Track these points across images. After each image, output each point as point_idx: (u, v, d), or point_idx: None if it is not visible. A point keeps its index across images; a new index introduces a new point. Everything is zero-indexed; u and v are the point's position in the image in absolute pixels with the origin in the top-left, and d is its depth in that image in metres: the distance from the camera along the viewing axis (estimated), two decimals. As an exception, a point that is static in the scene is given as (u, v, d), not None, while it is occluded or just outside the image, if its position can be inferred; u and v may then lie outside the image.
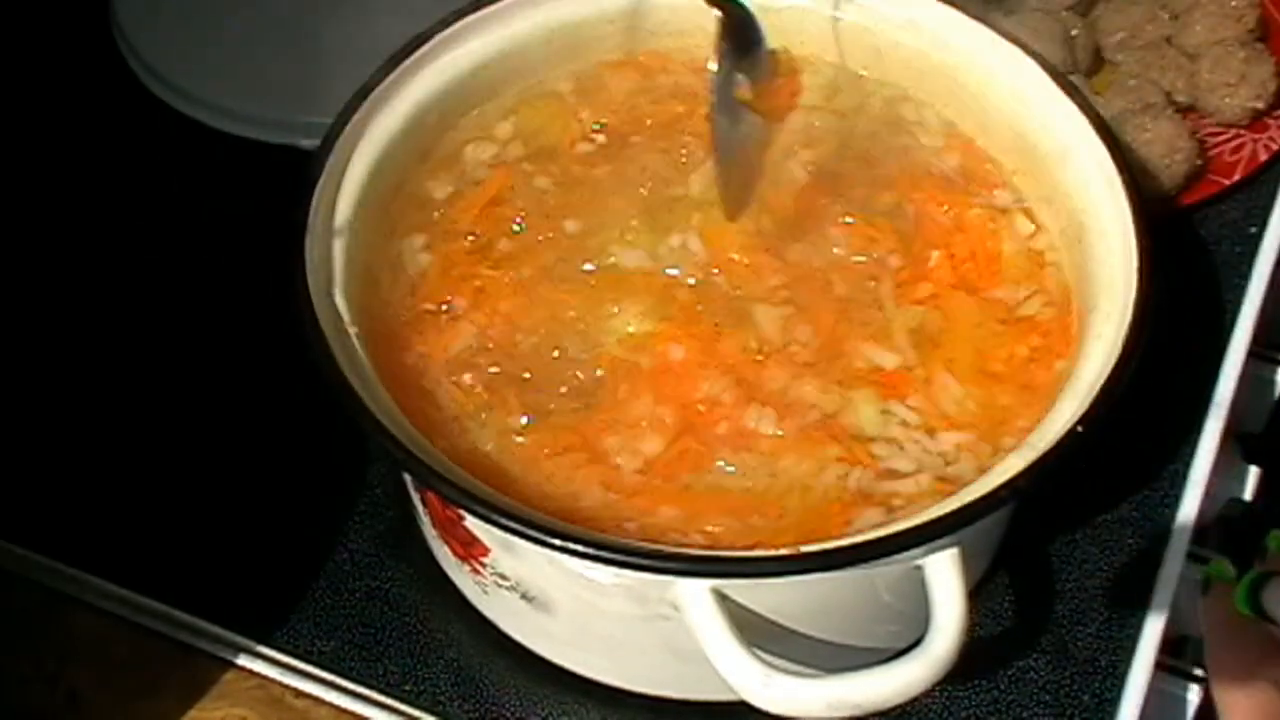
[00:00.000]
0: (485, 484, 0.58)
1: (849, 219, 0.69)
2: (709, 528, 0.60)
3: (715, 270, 0.67)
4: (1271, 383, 0.83)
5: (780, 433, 0.63)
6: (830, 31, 0.75)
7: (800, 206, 0.70)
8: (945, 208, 0.70)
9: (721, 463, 0.62)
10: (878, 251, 0.69)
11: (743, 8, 0.69)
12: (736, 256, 0.68)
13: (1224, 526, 0.77)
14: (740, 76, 0.70)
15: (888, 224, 0.69)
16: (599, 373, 0.64)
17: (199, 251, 0.81)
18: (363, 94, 0.68)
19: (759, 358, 0.65)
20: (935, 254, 0.69)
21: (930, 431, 0.63)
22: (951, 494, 0.58)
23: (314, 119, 0.71)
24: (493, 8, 0.72)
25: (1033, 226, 0.70)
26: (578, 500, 0.61)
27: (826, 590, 0.60)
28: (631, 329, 0.65)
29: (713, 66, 0.68)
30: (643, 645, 0.63)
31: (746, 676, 0.55)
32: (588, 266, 0.68)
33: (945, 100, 0.74)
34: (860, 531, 0.58)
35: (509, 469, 0.62)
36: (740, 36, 0.69)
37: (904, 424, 0.63)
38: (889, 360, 0.65)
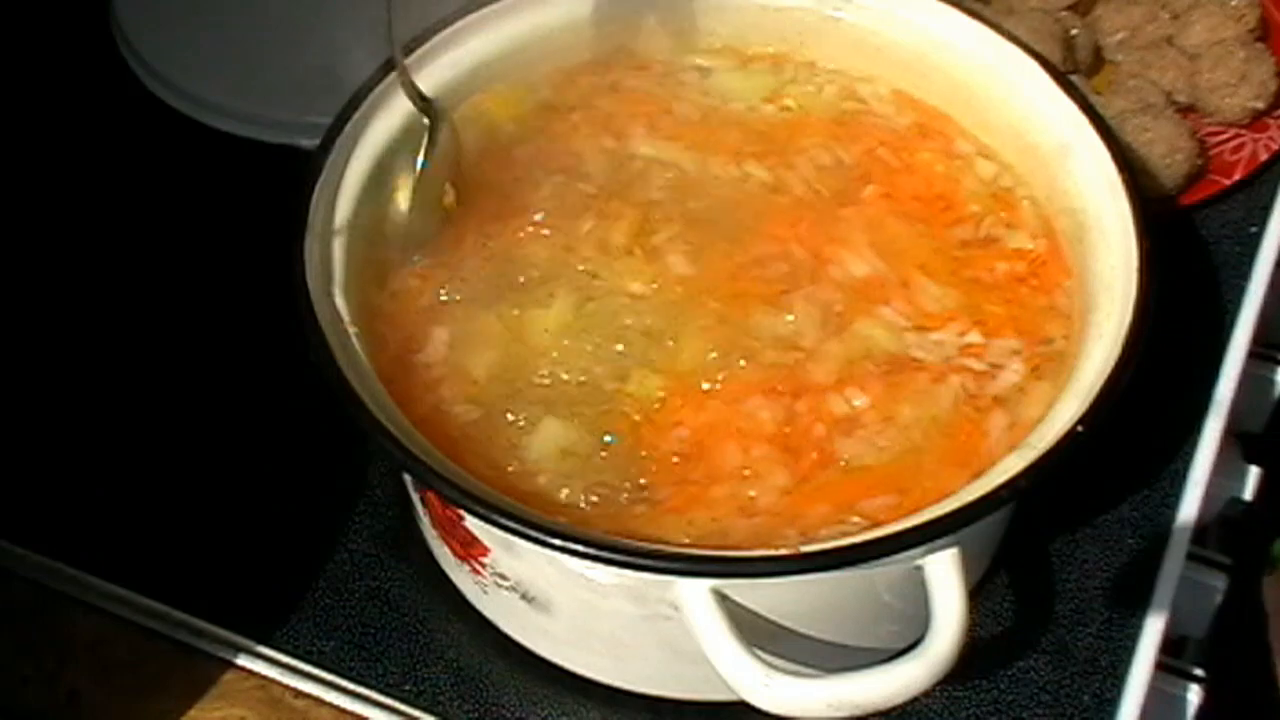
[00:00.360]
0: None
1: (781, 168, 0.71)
2: (865, 508, 0.60)
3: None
4: (1271, 383, 0.83)
5: (870, 398, 0.63)
6: (830, 31, 0.75)
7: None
8: (894, 151, 0.72)
9: (845, 454, 0.62)
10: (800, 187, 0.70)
11: (439, 115, 0.69)
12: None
13: (1224, 526, 0.77)
14: (446, 184, 0.70)
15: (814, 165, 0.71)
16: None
17: (199, 251, 0.81)
18: (363, 94, 0.68)
19: (791, 356, 0.65)
20: (869, 189, 0.70)
21: (923, 330, 0.65)
22: (1054, 370, 0.63)
23: (314, 119, 0.71)
24: (492, 8, 0.73)
25: (994, 169, 0.71)
26: (724, 532, 0.60)
27: (826, 590, 0.60)
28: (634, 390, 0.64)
29: (420, 162, 0.68)
30: (643, 645, 0.63)
31: (746, 676, 0.54)
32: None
33: (945, 99, 0.74)
34: (997, 437, 0.61)
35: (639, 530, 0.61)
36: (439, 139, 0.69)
37: (905, 329, 0.65)
38: (860, 268, 0.67)
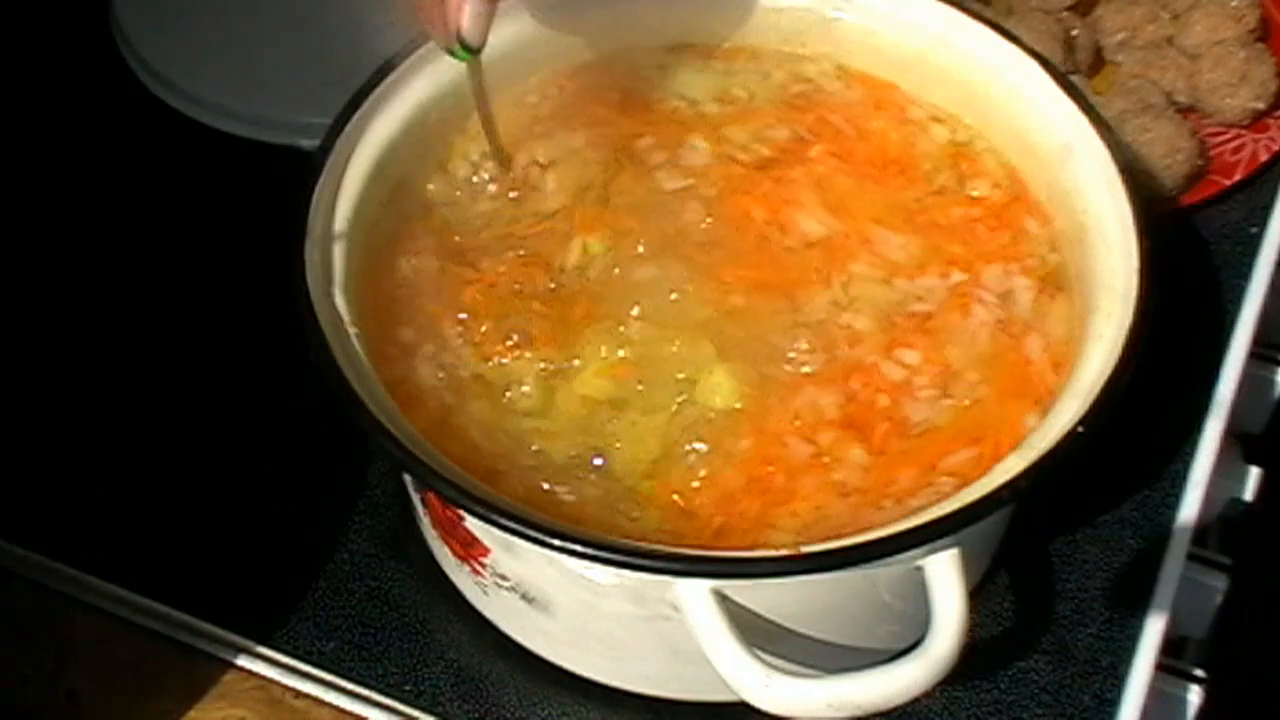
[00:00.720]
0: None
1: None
2: (951, 464, 0.61)
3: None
4: (1271, 383, 0.83)
5: (921, 354, 0.64)
6: (830, 31, 0.75)
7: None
8: (846, 119, 0.73)
9: (914, 417, 0.63)
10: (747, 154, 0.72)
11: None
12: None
13: (1224, 526, 0.77)
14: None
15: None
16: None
17: (199, 251, 0.81)
18: (363, 94, 0.68)
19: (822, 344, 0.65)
20: (816, 148, 0.72)
21: (907, 278, 0.67)
22: (1064, 283, 0.66)
23: (314, 119, 0.71)
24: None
25: (949, 133, 0.73)
26: (827, 516, 0.61)
27: (827, 590, 0.60)
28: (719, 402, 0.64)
29: None
30: (642, 645, 0.63)
31: (747, 677, 0.54)
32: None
33: (946, 99, 0.74)
34: (1038, 361, 0.64)
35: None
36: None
37: (893, 280, 0.67)
38: (816, 230, 0.68)
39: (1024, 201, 0.70)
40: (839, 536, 0.57)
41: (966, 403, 0.63)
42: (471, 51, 0.65)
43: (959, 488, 0.58)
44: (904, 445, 0.62)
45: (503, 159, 0.71)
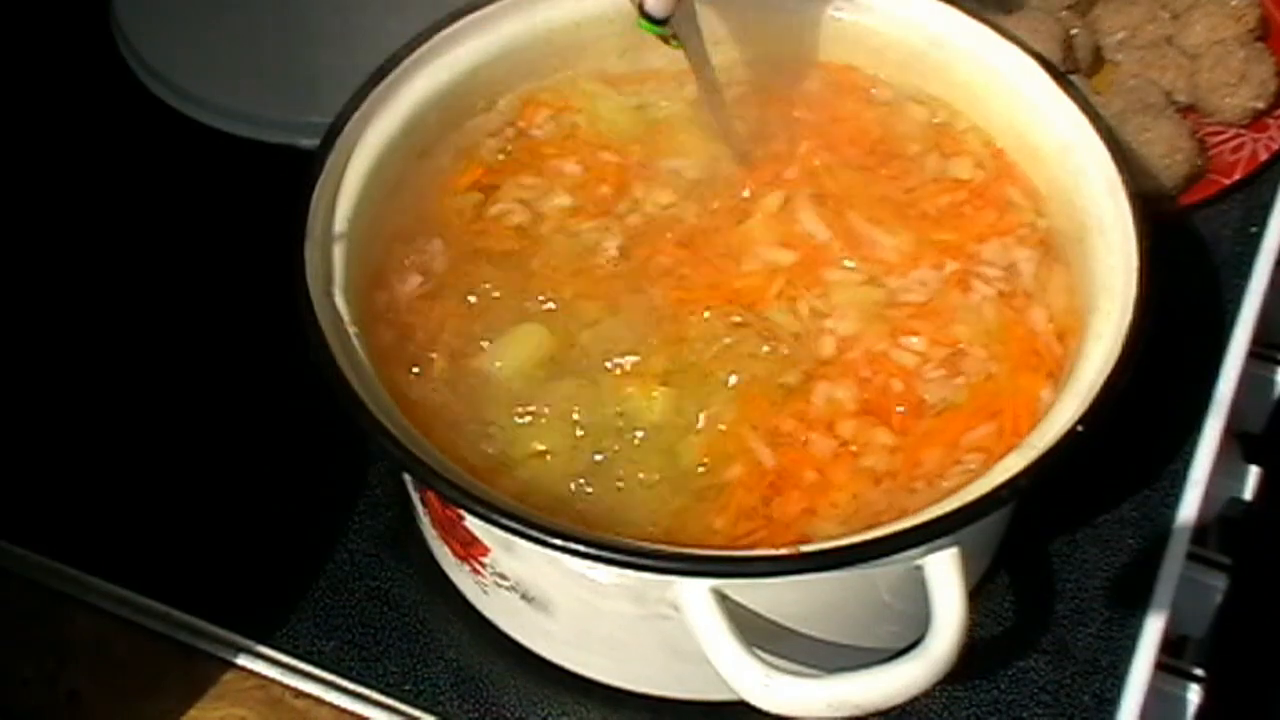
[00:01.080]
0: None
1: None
2: (974, 440, 0.62)
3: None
4: (1271, 383, 0.82)
5: (923, 336, 0.65)
6: (830, 31, 0.75)
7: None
8: (813, 110, 0.73)
9: (930, 398, 0.64)
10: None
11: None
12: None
13: (1224, 526, 0.77)
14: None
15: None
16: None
17: (199, 251, 0.81)
18: (362, 94, 0.68)
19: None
20: (804, 145, 0.72)
21: (900, 275, 0.68)
22: (1057, 251, 0.67)
23: (314, 119, 0.71)
24: (492, 8, 0.72)
25: (927, 113, 0.73)
26: (865, 504, 0.61)
27: (827, 590, 0.60)
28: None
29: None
30: (643, 645, 0.63)
31: (746, 676, 0.55)
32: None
33: (945, 99, 0.74)
34: (1043, 332, 0.65)
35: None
36: None
37: (882, 279, 0.67)
38: (819, 232, 0.69)
39: (1006, 176, 0.71)
40: (880, 524, 0.57)
41: (980, 379, 0.64)
42: (655, 22, 0.64)
43: (987, 464, 0.59)
44: (925, 426, 0.63)
45: (743, 154, 0.71)
